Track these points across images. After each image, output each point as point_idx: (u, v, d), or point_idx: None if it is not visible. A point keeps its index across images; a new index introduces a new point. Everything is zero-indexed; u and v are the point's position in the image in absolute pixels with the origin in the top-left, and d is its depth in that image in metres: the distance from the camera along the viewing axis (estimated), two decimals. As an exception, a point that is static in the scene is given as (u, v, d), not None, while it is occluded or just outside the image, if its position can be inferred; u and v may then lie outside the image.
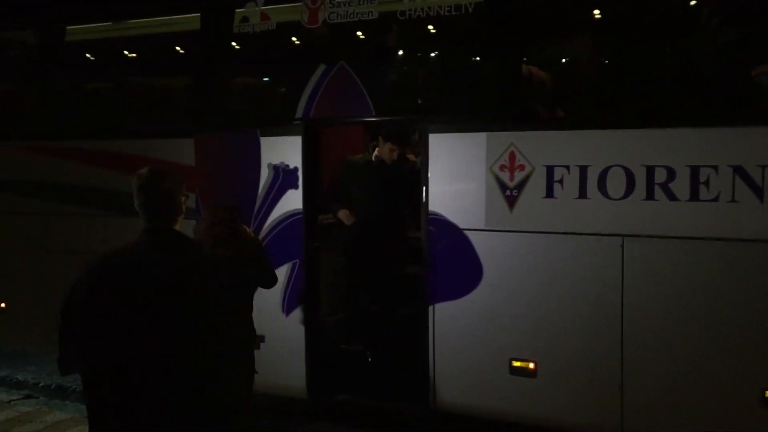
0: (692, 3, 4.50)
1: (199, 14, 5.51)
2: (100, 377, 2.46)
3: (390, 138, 5.57)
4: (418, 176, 4.87)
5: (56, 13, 6.10)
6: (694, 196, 4.08)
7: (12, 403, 6.08)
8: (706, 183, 4.04)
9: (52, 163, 6.07)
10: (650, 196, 4.18)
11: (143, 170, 2.59)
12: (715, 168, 4.01)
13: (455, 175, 4.70)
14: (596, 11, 4.64)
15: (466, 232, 4.67)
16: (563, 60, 4.75)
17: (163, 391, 2.42)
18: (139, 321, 2.43)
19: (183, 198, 2.63)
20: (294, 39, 5.38)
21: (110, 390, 2.44)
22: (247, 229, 4.54)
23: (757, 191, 3.94)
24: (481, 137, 4.59)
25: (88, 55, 6.39)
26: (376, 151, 5.74)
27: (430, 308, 4.82)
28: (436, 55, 5.14)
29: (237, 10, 5.33)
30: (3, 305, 6.47)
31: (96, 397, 2.48)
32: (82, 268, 2.51)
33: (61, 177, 6.03)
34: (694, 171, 4.07)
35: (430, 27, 4.88)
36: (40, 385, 6.78)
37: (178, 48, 6.01)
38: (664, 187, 4.15)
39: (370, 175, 5.72)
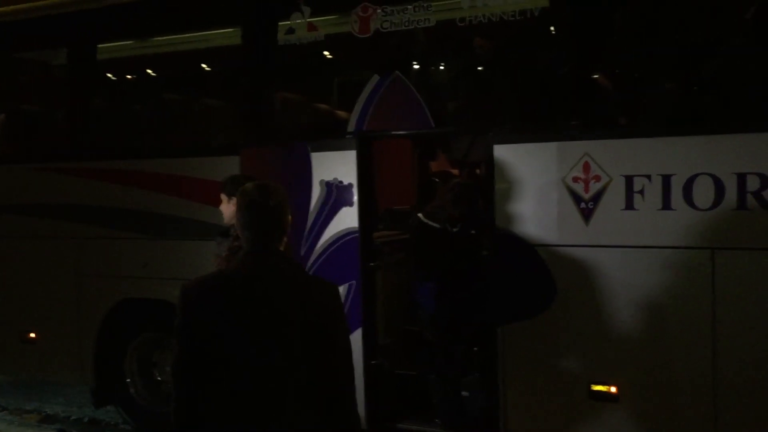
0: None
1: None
2: (198, 410, 2.19)
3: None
4: None
5: (90, 31, 5.86)
6: (791, 204, 3.83)
7: (45, 439, 5.78)
8: (804, 190, 3.80)
9: (85, 185, 5.80)
10: (742, 205, 3.93)
11: (248, 185, 2.31)
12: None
13: (524, 189, 4.43)
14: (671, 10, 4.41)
15: (537, 248, 4.40)
16: (641, 62, 4.48)
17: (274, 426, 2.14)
18: (251, 350, 2.15)
19: (289, 217, 2.36)
20: (344, 49, 5.15)
21: (213, 422, 2.17)
22: None
23: None
24: (551, 147, 4.34)
25: (125, 73, 6.16)
26: None
27: (499, 330, 4.55)
28: (498, 62, 4.89)
29: (281, 23, 5.10)
30: (33, 335, 6.16)
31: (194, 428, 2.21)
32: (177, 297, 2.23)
33: (95, 199, 5.76)
34: (791, 178, 3.83)
35: (492, 34, 4.65)
36: (72, 418, 6.48)
37: (221, 64, 5.76)
38: (758, 195, 3.89)
39: None
